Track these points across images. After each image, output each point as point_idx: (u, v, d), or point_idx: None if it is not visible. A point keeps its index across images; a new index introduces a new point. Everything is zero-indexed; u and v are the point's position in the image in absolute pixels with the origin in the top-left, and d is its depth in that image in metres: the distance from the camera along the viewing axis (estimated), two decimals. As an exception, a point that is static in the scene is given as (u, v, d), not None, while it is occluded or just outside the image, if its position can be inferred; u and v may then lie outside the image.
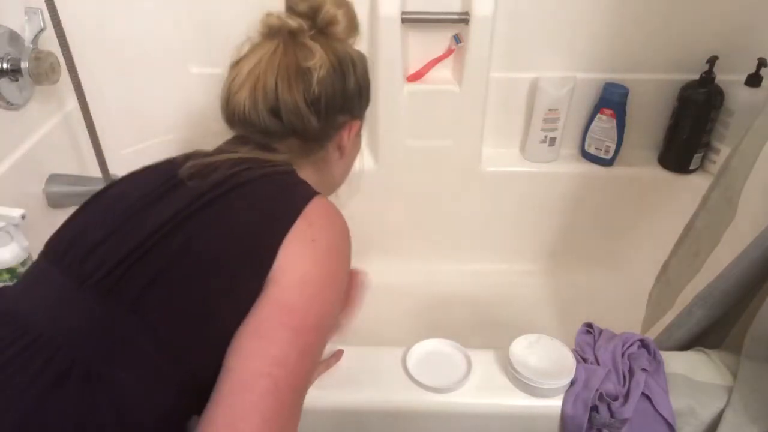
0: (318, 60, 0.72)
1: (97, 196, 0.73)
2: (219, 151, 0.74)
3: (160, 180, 0.70)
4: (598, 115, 1.33)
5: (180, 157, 0.73)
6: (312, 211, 0.68)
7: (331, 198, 0.82)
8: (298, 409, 0.61)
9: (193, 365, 0.60)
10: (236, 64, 0.75)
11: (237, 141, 0.76)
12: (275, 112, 0.72)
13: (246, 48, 0.75)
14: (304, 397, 0.63)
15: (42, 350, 0.58)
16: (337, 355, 0.81)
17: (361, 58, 0.80)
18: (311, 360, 0.63)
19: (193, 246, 0.63)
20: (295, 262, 0.64)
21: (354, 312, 1.38)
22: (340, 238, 0.70)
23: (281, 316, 0.61)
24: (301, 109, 0.72)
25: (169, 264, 0.62)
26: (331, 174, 0.84)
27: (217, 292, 0.62)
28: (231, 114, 0.74)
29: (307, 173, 0.77)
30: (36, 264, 0.68)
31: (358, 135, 0.84)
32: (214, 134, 0.78)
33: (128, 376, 0.58)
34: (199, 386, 0.59)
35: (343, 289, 0.71)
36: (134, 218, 0.66)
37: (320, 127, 0.75)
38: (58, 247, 0.67)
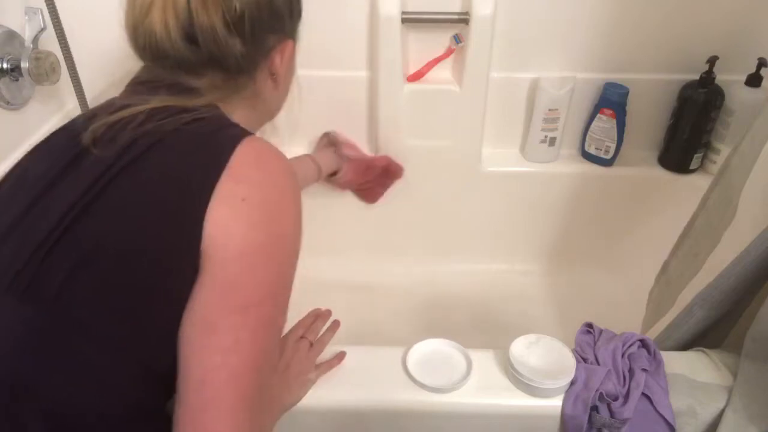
0: None
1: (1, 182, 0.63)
2: (125, 105, 0.61)
3: (62, 152, 0.60)
4: (598, 115, 1.33)
5: (81, 118, 0.62)
6: (238, 163, 0.57)
7: (273, 140, 0.69)
8: (267, 383, 0.57)
9: (142, 358, 0.56)
10: None
11: (147, 87, 0.64)
12: (191, 37, 0.60)
13: None
14: (272, 366, 0.58)
15: None
16: (340, 356, 0.80)
17: None
18: (270, 331, 0.57)
19: (106, 231, 0.55)
20: (227, 230, 0.55)
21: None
22: (278, 187, 0.59)
23: (224, 297, 0.54)
24: (220, 32, 0.60)
25: (84, 255, 0.54)
26: (267, 108, 0.74)
27: (144, 279, 0.55)
28: (142, 44, 0.62)
29: (237, 114, 0.66)
30: None
31: (293, 57, 0.71)
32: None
33: (64, 382, 0.53)
34: (161, 376, 0.56)
35: (298, 237, 0.60)
36: (37, 205, 0.57)
37: (246, 52, 0.63)
38: None
